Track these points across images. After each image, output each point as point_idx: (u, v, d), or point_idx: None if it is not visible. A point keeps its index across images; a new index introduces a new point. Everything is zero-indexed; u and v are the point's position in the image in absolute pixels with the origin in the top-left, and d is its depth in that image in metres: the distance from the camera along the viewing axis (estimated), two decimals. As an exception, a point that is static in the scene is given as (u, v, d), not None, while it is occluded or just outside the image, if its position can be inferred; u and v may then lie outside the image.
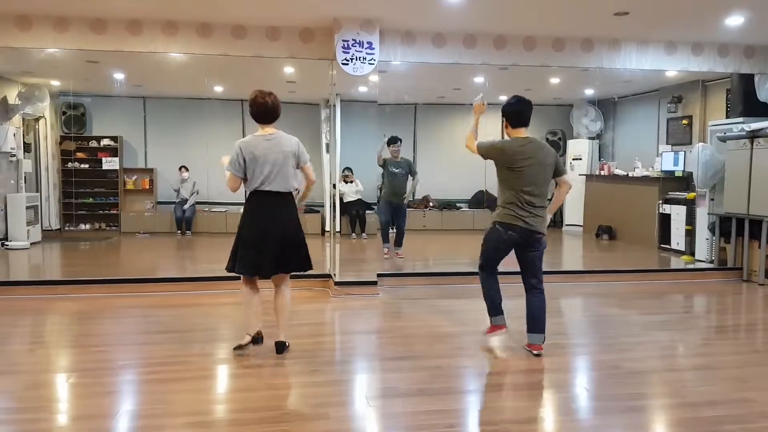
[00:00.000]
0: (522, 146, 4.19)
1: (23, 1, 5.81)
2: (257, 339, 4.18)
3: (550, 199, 4.43)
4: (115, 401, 3.50)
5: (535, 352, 4.25)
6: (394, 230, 8.42)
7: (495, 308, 4.42)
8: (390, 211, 8.32)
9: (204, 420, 3.20)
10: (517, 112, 4.23)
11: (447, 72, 8.41)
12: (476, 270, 4.50)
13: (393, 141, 8.33)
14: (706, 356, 4.48)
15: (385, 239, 8.45)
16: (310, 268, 4.24)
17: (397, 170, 8.24)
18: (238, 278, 4.22)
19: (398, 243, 8.42)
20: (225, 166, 4.10)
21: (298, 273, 4.25)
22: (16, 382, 3.76)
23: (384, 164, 8.28)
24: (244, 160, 4.00)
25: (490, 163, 4.35)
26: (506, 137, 4.34)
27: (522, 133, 4.25)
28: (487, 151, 4.30)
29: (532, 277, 4.33)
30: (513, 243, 4.23)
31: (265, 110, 4.05)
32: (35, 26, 6.15)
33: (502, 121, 4.31)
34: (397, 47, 6.67)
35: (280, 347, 4.18)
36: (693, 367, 4.26)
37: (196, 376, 3.86)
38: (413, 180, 8.60)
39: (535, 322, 4.29)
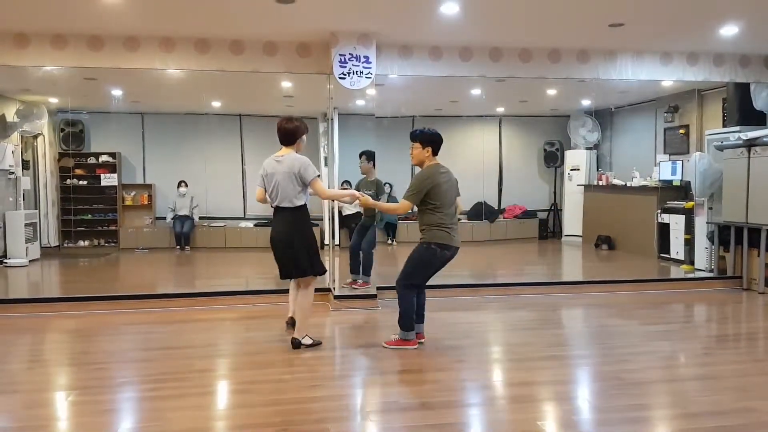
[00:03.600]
0: (440, 170, 4.66)
1: (21, 19, 5.83)
2: (289, 323, 5.00)
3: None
4: (115, 419, 3.48)
5: (421, 341, 4.78)
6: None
7: (413, 323, 4.74)
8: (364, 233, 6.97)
9: (204, 437, 3.18)
10: (439, 143, 4.73)
11: (444, 84, 8.44)
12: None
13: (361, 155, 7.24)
14: (707, 366, 4.46)
15: (354, 269, 6.97)
16: (311, 274, 4.74)
17: (369, 192, 6.62)
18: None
19: (366, 270, 6.86)
20: None
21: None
22: (15, 401, 3.74)
23: (357, 189, 6.75)
24: (262, 176, 4.72)
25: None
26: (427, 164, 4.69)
27: (436, 161, 4.74)
28: (418, 193, 4.56)
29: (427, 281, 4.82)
30: (445, 261, 4.61)
31: (284, 133, 4.73)
32: (33, 44, 6.17)
33: (413, 147, 4.70)
34: (393, 60, 6.70)
35: (295, 344, 4.71)
36: (695, 377, 4.25)
37: (195, 393, 3.85)
38: (383, 196, 7.25)
39: (422, 314, 4.87)
